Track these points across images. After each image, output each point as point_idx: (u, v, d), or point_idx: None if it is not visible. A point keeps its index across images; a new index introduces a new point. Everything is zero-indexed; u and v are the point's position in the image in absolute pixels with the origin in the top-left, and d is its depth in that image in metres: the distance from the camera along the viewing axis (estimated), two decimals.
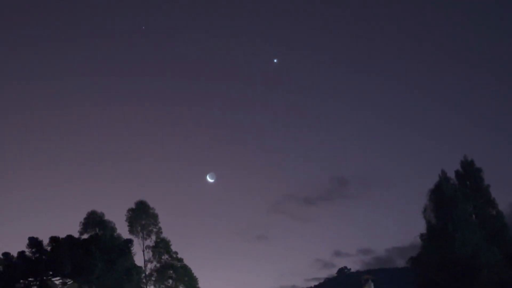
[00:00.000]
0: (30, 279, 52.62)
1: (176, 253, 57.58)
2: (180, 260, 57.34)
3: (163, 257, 56.98)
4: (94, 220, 56.21)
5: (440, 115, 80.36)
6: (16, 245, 54.21)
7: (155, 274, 56.45)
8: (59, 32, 76.02)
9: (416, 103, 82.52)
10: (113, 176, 64.32)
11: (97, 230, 55.80)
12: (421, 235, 50.87)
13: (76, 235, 55.30)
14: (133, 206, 58.29)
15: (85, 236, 55.56)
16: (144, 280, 55.82)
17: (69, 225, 57.00)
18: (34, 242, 53.81)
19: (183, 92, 76.57)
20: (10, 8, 73.54)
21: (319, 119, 77.94)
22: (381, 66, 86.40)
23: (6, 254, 53.26)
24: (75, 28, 77.70)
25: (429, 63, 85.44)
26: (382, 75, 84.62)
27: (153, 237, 57.77)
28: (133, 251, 55.78)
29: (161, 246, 57.40)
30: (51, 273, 53.16)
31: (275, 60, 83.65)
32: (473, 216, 50.77)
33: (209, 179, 68.49)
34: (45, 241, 53.94)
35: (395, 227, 63.17)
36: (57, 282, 53.22)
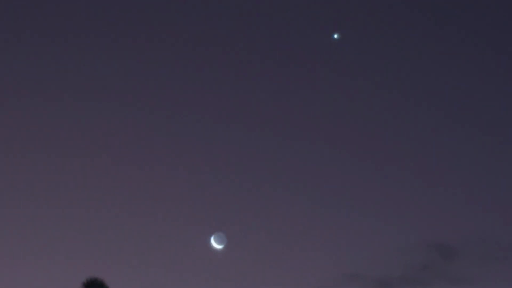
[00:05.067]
0: None
1: None
2: None
3: None
4: None
5: None
6: None
7: None
8: None
9: None
10: (48, 240, 40.58)
11: None
12: None
13: None
14: None
15: None
16: None
17: None
18: None
19: (169, 100, 42.45)
20: None
21: (405, 146, 40.48)
22: None
23: None
24: None
25: None
26: None
27: None
28: None
29: None
30: None
31: (335, 36, 49.33)
32: None
33: (215, 244, 40.37)
34: None
35: None
36: None
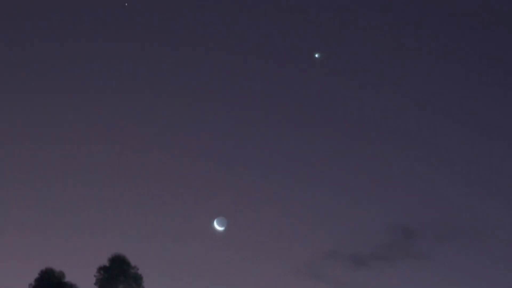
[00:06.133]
0: None
1: None
2: None
3: None
4: (49, 282, 40.41)
5: None
6: None
7: None
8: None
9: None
10: (79, 221, 47.13)
11: None
12: None
13: None
14: (106, 263, 41.21)
15: None
16: None
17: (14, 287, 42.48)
18: None
19: (178, 108, 52.21)
20: None
21: (374, 141, 51.73)
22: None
23: None
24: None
25: None
26: (478, 89, 56.81)
27: None
28: None
29: None
30: None
31: (316, 55, 59.29)
32: None
33: (217, 227, 48.18)
34: None
35: None
36: None
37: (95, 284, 40.87)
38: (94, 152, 54.11)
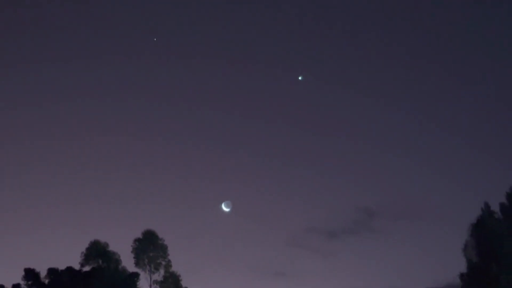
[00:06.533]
0: None
1: None
2: None
3: None
4: (97, 251, 51.09)
5: (485, 141, 67.19)
6: (11, 277, 50.14)
7: None
8: (63, 43, 71.06)
9: (455, 125, 68.92)
10: (119, 202, 59.66)
11: (100, 262, 50.91)
12: (461, 275, 45.68)
13: (77, 267, 50.84)
14: (140, 236, 52.36)
15: (87, 268, 50.91)
16: None
17: (69, 256, 53.19)
18: (30, 274, 49.74)
19: (196, 112, 67.24)
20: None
21: (344, 143, 66.97)
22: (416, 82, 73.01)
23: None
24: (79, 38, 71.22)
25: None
26: (420, 94, 71.86)
27: (162, 271, 51.96)
28: (139, 286, 51.05)
29: (170, 281, 51.60)
30: None
31: (300, 78, 70.59)
32: None
33: (225, 208, 60.16)
34: (43, 273, 49.95)
35: (429, 265, 55.31)
36: None
37: (132, 252, 52.01)
38: (134, 147, 67.42)
